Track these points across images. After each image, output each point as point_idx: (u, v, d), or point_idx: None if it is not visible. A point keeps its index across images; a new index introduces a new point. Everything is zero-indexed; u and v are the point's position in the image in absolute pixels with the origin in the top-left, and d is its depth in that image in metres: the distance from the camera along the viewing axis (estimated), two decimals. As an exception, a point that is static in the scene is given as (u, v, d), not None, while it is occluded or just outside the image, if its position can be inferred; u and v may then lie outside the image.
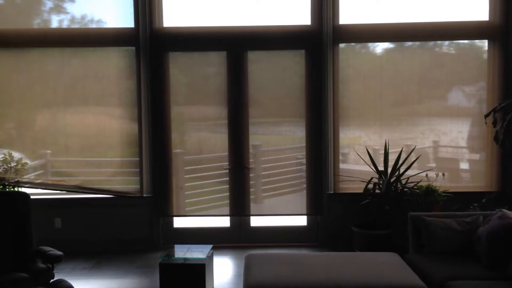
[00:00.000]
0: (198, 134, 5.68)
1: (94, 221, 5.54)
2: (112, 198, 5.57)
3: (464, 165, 5.77)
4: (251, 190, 5.60)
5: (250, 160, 5.56)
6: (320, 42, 5.39)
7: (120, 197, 5.55)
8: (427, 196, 5.02)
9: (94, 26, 5.59)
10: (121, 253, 5.41)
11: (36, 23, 5.67)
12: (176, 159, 5.61)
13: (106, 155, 5.70)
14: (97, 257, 5.31)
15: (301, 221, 5.63)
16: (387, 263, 3.72)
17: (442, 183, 5.19)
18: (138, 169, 5.52)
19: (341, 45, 5.44)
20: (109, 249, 5.49)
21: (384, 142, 5.31)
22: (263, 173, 5.77)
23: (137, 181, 5.55)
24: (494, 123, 4.95)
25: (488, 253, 3.72)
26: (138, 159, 5.51)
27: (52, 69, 5.58)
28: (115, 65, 5.54)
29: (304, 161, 5.58)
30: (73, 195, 5.58)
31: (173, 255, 4.19)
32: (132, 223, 5.54)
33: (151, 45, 5.42)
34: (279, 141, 5.89)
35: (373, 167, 5.26)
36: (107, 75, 5.57)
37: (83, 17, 5.58)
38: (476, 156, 5.63)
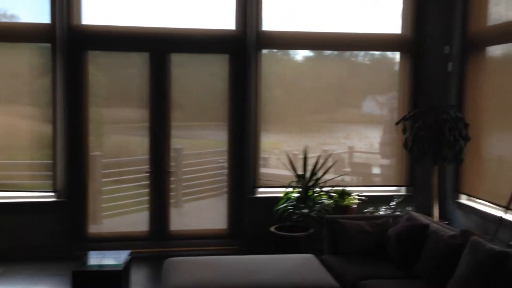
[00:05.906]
0: (118, 137, 5.52)
1: (1, 227, 5.19)
2: (22, 202, 5.25)
3: (376, 170, 6.09)
4: (171, 194, 5.53)
5: (171, 164, 5.49)
6: (244, 47, 5.44)
7: (31, 201, 5.24)
8: (343, 199, 5.25)
9: (6, 21, 5.26)
10: (32, 260, 5.11)
11: None
12: (94, 162, 5.41)
13: (16, 157, 5.37)
14: (4, 265, 4.98)
15: (222, 224, 5.63)
16: (303, 265, 3.84)
17: (357, 186, 5.43)
18: (51, 173, 5.26)
19: (264, 51, 5.54)
20: (18, 257, 5.16)
21: (304, 147, 5.47)
22: (184, 176, 5.71)
23: (50, 184, 5.28)
24: (404, 131, 5.27)
25: (397, 253, 3.94)
26: (51, 161, 5.24)
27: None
28: (27, 62, 5.24)
29: (226, 165, 5.60)
30: (-22, 200, 5.20)
31: (87, 262, 4.03)
32: (44, 229, 5.25)
33: (68, 42, 5.19)
34: (201, 145, 5.88)
35: (292, 172, 5.40)
36: (19, 72, 5.26)
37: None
38: (387, 161, 5.97)
